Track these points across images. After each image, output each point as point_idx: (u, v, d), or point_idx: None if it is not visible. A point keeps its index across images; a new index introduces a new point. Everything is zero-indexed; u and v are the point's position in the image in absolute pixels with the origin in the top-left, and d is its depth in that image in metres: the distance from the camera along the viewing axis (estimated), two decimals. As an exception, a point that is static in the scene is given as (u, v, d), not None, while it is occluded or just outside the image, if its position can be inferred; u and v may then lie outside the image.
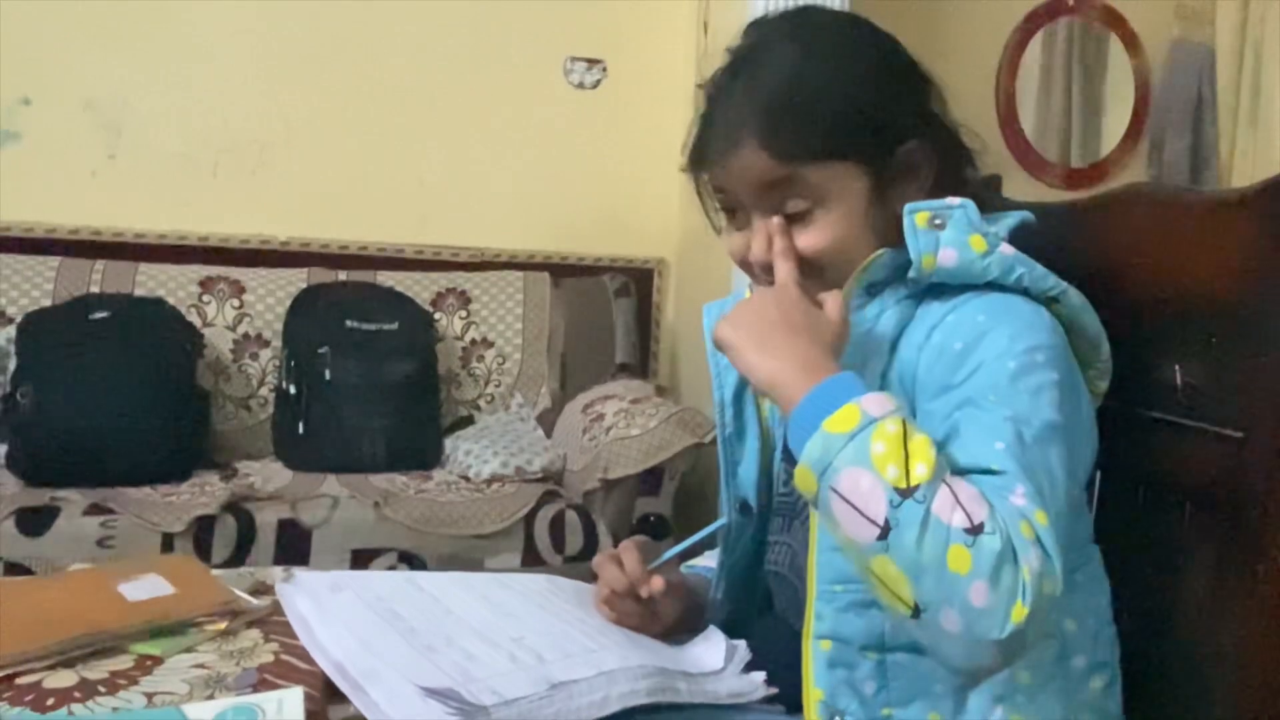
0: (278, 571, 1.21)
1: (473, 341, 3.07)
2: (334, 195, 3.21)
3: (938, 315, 0.98)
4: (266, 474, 2.62)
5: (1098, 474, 1.08)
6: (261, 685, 0.95)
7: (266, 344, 2.91)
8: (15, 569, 2.15)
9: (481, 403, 3.04)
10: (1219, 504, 0.98)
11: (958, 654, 0.83)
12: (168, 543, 2.24)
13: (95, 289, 2.83)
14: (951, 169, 1.06)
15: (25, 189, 2.95)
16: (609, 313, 3.18)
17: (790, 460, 1.11)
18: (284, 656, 1.01)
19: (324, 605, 1.05)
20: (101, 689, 0.94)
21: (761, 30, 1.08)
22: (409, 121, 3.25)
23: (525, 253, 3.32)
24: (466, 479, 2.64)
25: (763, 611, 1.18)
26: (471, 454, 2.69)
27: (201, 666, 0.99)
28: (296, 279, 2.99)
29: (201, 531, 2.28)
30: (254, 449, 2.83)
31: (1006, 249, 0.98)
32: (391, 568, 2.33)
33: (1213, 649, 0.98)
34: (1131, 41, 3.68)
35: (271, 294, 2.94)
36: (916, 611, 0.82)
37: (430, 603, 1.08)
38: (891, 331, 1.01)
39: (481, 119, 3.29)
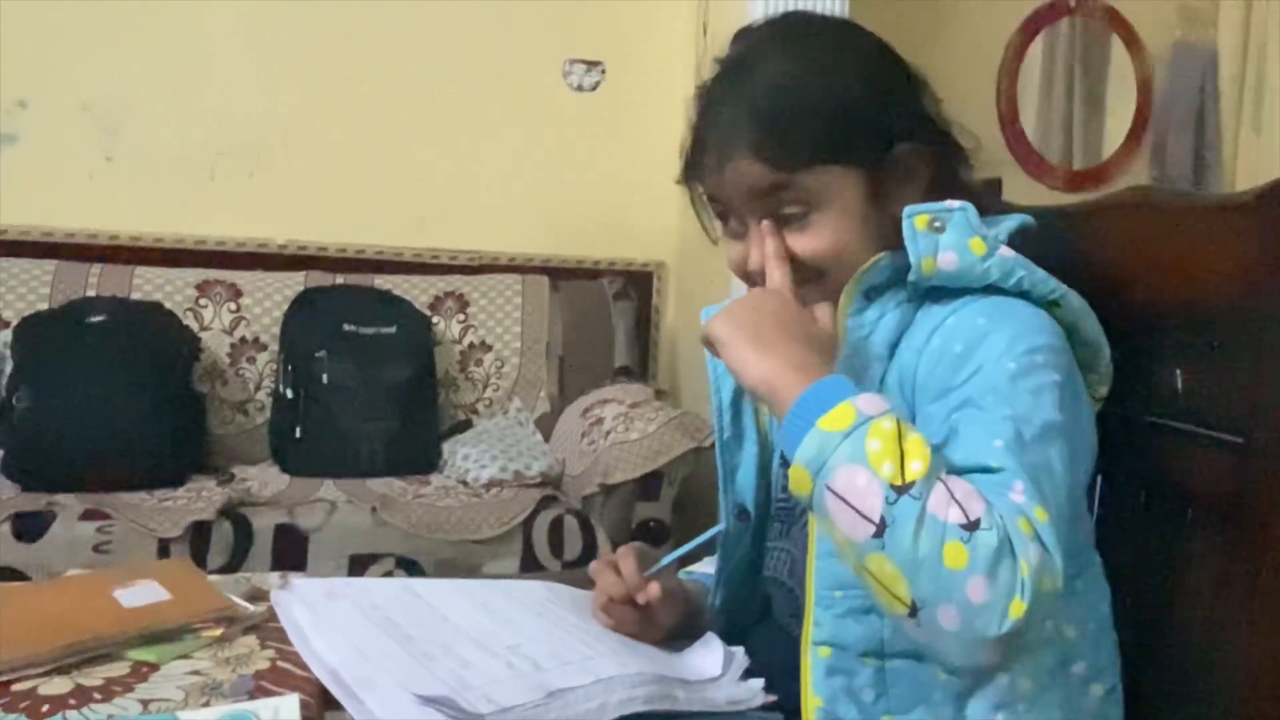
0: (274, 577, 1.21)
1: (471, 345, 3.06)
2: (331, 198, 3.21)
3: (937, 318, 0.98)
4: (263, 479, 2.62)
5: (1099, 479, 1.08)
6: (257, 692, 0.95)
7: (264, 348, 2.90)
8: (11, 574, 2.14)
9: (480, 407, 3.03)
10: (1221, 510, 0.97)
11: (956, 652, 0.83)
12: (164, 548, 2.24)
13: (92, 292, 2.83)
14: (948, 170, 1.06)
15: (22, 192, 2.95)
16: (608, 316, 3.18)
17: (789, 465, 1.11)
18: (280, 663, 1.01)
19: (320, 612, 1.05)
20: (97, 695, 0.93)
21: (749, 38, 1.08)
22: (407, 124, 3.25)
23: (524, 255, 3.31)
24: (464, 484, 2.63)
25: (761, 618, 1.18)
26: (469, 458, 2.68)
27: (197, 673, 0.99)
28: (294, 282, 2.98)
29: (198, 537, 2.27)
30: (251, 453, 2.82)
31: (1006, 252, 0.98)
32: (389, 573, 2.33)
33: (1215, 656, 0.98)
34: (1134, 43, 3.68)
35: (269, 297, 2.94)
36: (914, 610, 0.81)
37: (426, 610, 1.07)
38: (891, 336, 1.01)
39: (480, 121, 3.29)
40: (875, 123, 1.02)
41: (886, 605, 0.84)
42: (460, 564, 2.38)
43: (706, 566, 1.25)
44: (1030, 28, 3.60)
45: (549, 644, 1.01)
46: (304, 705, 0.91)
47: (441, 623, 1.04)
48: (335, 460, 2.69)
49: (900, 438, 0.83)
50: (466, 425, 2.96)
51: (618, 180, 3.36)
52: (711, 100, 1.05)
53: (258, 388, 2.89)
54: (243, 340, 2.90)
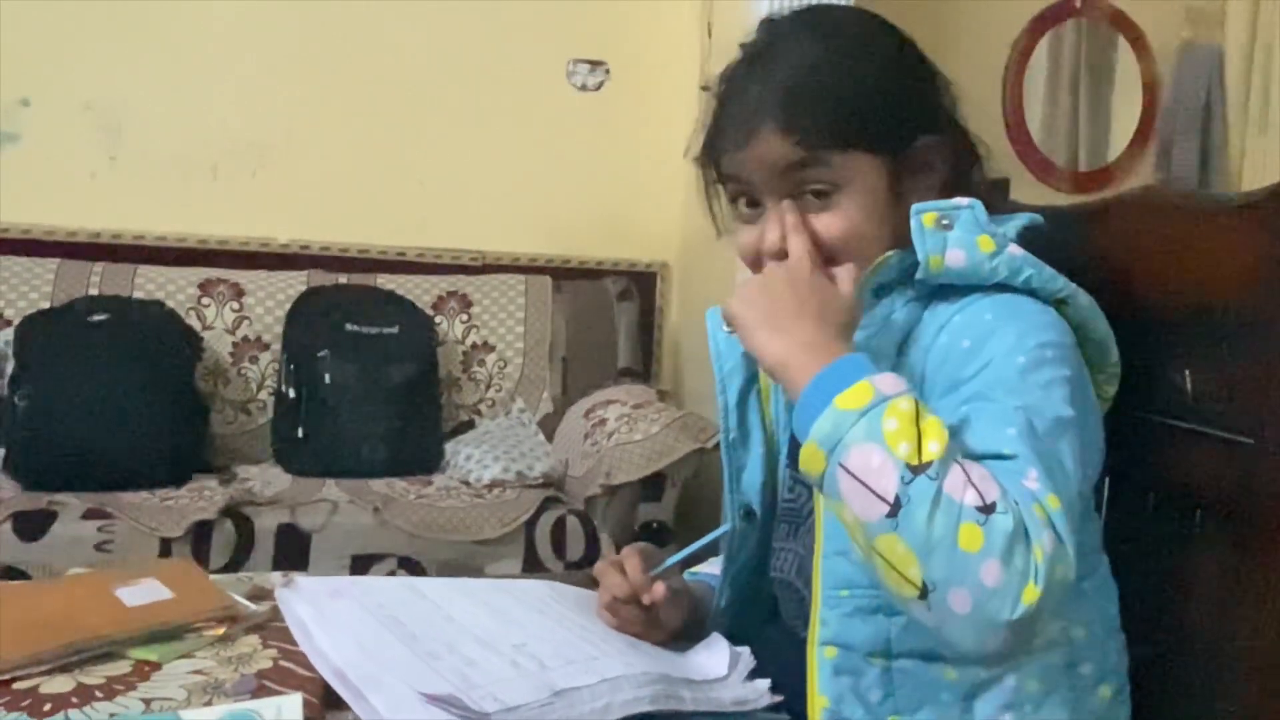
0: (276, 577, 1.20)
1: (474, 345, 3.06)
2: (334, 197, 3.21)
3: (945, 316, 0.98)
4: (265, 478, 2.62)
5: (1106, 480, 1.07)
6: (260, 691, 0.94)
7: (266, 347, 2.90)
8: (13, 573, 2.15)
9: (482, 407, 3.03)
10: (1229, 511, 0.97)
11: (966, 636, 0.82)
12: (166, 547, 2.24)
13: (94, 291, 2.83)
14: (963, 170, 1.05)
15: (24, 190, 2.95)
16: (611, 316, 3.18)
17: (795, 467, 1.11)
18: (282, 662, 1.01)
19: (324, 611, 1.05)
20: (99, 694, 0.93)
21: (777, 25, 1.08)
22: (410, 123, 3.25)
23: (527, 256, 3.31)
24: (467, 484, 2.63)
25: (768, 619, 1.17)
26: (472, 459, 2.68)
27: (199, 672, 0.98)
28: (296, 282, 2.98)
29: (200, 536, 2.28)
30: (253, 453, 2.82)
31: (1015, 250, 0.97)
32: (391, 573, 2.33)
33: (1223, 658, 0.97)
34: (1140, 44, 3.67)
35: (271, 297, 2.94)
36: (924, 592, 0.81)
37: (431, 609, 1.07)
38: (899, 334, 1.00)
39: (483, 121, 3.29)
40: (900, 112, 1.02)
41: (895, 587, 0.83)
42: (462, 565, 2.37)
43: (712, 567, 1.25)
44: (1036, 29, 3.58)
45: (554, 643, 1.01)
46: (307, 704, 0.90)
47: (446, 621, 1.04)
48: (337, 460, 2.69)
49: (918, 418, 0.83)
50: (469, 426, 2.96)
51: (621, 181, 3.35)
52: (737, 80, 1.05)
53: (260, 387, 2.89)
54: (245, 340, 2.90)
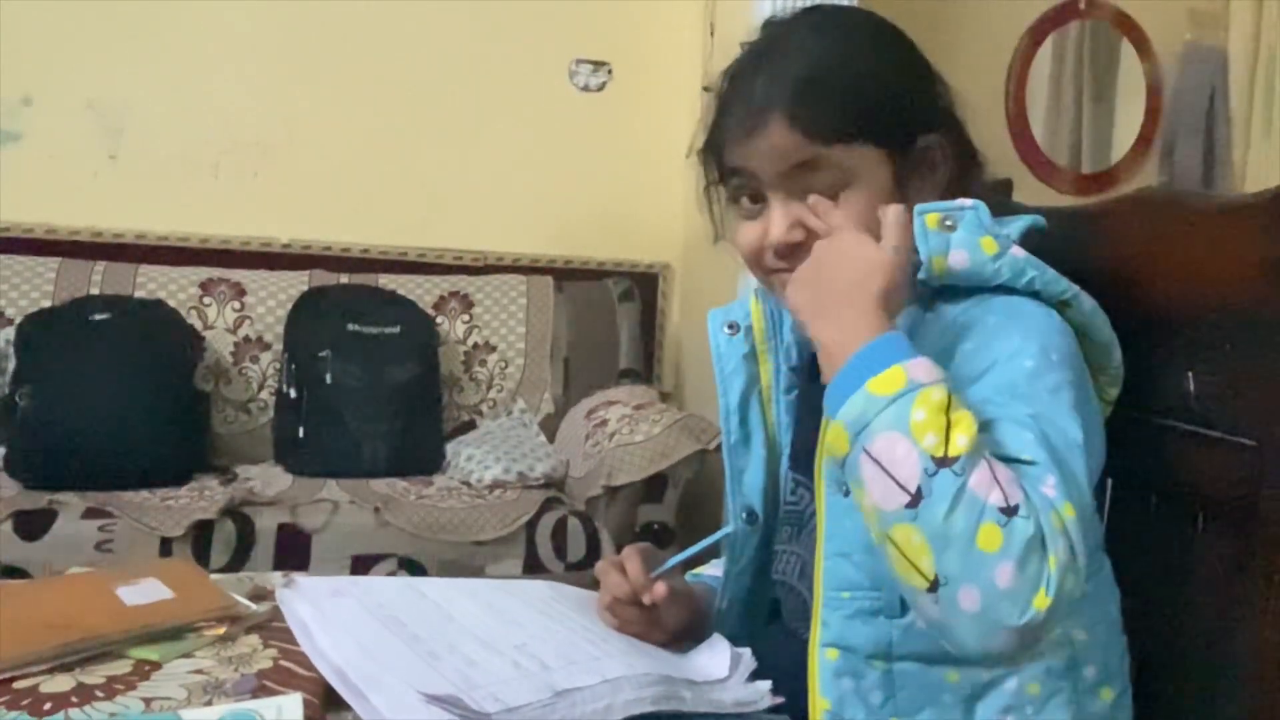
0: (277, 577, 1.20)
1: (475, 345, 3.06)
2: (336, 197, 3.21)
3: (947, 318, 0.98)
4: (266, 478, 2.62)
5: (1109, 482, 1.07)
6: (260, 691, 0.94)
7: (267, 347, 2.90)
8: (13, 572, 2.15)
9: (484, 408, 3.03)
10: (1232, 513, 0.97)
11: (970, 634, 0.81)
12: (166, 547, 2.24)
13: (95, 290, 2.83)
14: (965, 171, 1.05)
15: (26, 189, 2.95)
16: (613, 317, 3.18)
17: (798, 468, 1.11)
18: (283, 662, 1.00)
19: (325, 611, 1.04)
20: (99, 694, 0.93)
21: (781, 23, 1.08)
22: (412, 123, 3.25)
23: (528, 256, 3.31)
24: (468, 485, 2.63)
25: (769, 621, 1.17)
26: (473, 459, 2.68)
27: (200, 672, 0.98)
28: (298, 281, 2.98)
29: (200, 536, 2.28)
30: (254, 453, 2.82)
31: (1018, 251, 0.97)
32: (392, 574, 2.33)
33: (1225, 660, 0.97)
34: (1143, 45, 3.66)
35: (272, 296, 2.94)
36: (934, 585, 0.80)
37: (432, 609, 1.07)
38: (900, 335, 1.00)
39: (485, 121, 3.29)
40: (906, 108, 1.02)
41: (904, 577, 0.83)
42: (463, 565, 2.37)
43: (714, 569, 1.25)
44: (1039, 30, 3.58)
45: (556, 643, 1.01)
46: (307, 704, 0.90)
47: (447, 622, 1.04)
48: (338, 460, 2.69)
49: (948, 409, 0.82)
50: (470, 426, 2.96)
51: (623, 181, 3.35)
52: (742, 75, 1.04)
53: (261, 387, 2.89)
54: (246, 339, 2.90)
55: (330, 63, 3.18)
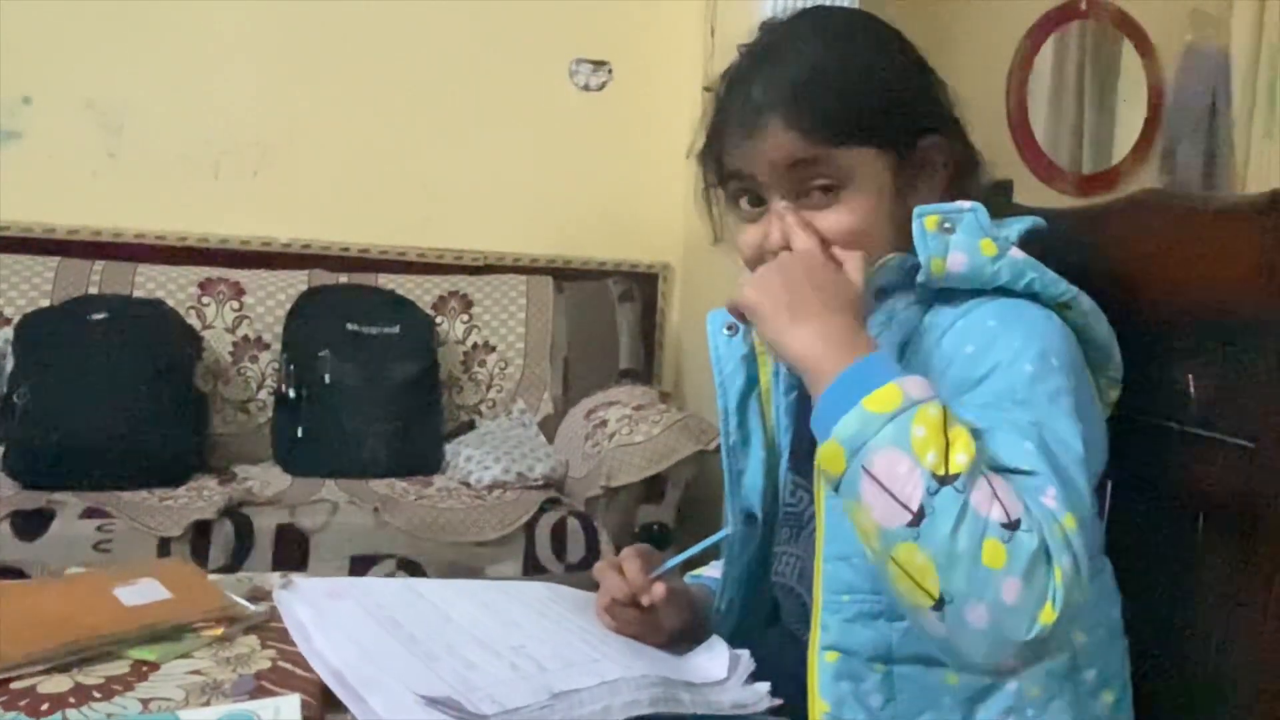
0: (275, 577, 1.20)
1: (474, 346, 3.06)
2: (335, 197, 3.20)
3: (947, 320, 0.97)
4: (265, 478, 2.61)
5: (1109, 484, 1.07)
6: (258, 692, 0.94)
7: (266, 347, 2.90)
8: (10, 572, 2.14)
9: (483, 408, 3.03)
10: (1232, 515, 0.97)
11: (978, 651, 0.81)
12: (164, 547, 2.24)
13: (94, 290, 2.83)
14: (965, 172, 1.05)
15: (25, 188, 2.94)
16: (613, 318, 3.18)
17: (798, 470, 1.11)
18: (281, 663, 1.00)
19: (323, 612, 1.04)
20: (97, 694, 0.93)
21: (779, 25, 1.08)
22: (412, 123, 3.24)
23: (528, 256, 3.31)
24: (467, 485, 2.63)
25: (769, 622, 1.17)
26: (472, 460, 2.67)
27: (198, 673, 0.98)
28: (297, 281, 2.98)
29: (199, 536, 2.27)
30: (252, 453, 2.81)
31: (1017, 253, 0.97)
32: (390, 574, 2.32)
33: (1225, 662, 0.97)
34: (1145, 46, 3.65)
35: (271, 296, 2.93)
36: (940, 604, 0.80)
37: (430, 610, 1.07)
38: (899, 337, 1.00)
39: (485, 120, 3.29)
40: (906, 110, 1.02)
41: (908, 596, 0.82)
42: (462, 566, 2.37)
43: (713, 570, 1.24)
44: (1040, 31, 3.57)
45: (553, 645, 1.01)
46: (305, 705, 0.90)
47: (445, 623, 1.04)
48: (337, 460, 2.69)
49: (946, 426, 0.82)
50: (469, 426, 2.96)
51: (624, 181, 3.35)
52: (741, 77, 1.04)
53: (260, 387, 2.88)
54: (245, 339, 2.90)
55: (330, 63, 3.18)
